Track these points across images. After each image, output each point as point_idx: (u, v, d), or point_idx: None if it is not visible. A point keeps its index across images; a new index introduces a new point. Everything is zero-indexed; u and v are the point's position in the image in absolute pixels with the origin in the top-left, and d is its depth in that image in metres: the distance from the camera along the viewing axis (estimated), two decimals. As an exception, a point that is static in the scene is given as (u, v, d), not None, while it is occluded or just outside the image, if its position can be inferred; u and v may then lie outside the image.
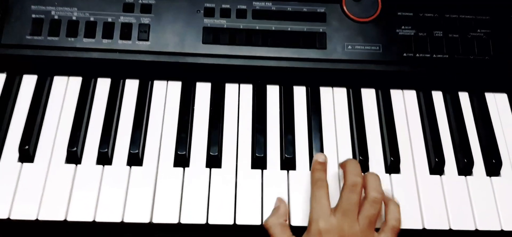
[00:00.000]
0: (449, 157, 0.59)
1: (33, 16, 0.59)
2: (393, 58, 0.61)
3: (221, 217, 0.52)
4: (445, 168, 0.58)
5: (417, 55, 0.62)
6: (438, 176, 0.57)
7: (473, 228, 0.54)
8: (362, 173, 0.53)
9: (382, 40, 0.62)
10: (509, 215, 0.55)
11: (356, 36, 0.62)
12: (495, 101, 0.64)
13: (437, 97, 0.63)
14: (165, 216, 0.51)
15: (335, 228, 0.48)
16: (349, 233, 0.48)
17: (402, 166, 0.58)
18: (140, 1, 0.61)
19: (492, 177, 0.58)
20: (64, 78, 0.60)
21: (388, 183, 0.56)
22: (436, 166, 0.57)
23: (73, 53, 0.58)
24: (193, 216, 0.52)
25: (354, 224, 0.49)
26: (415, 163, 0.58)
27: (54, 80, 0.60)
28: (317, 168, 0.53)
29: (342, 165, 0.54)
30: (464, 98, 0.64)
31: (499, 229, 0.54)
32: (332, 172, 0.56)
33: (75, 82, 0.60)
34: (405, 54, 0.62)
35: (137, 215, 0.51)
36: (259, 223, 0.52)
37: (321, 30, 0.61)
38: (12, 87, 0.58)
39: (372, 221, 0.50)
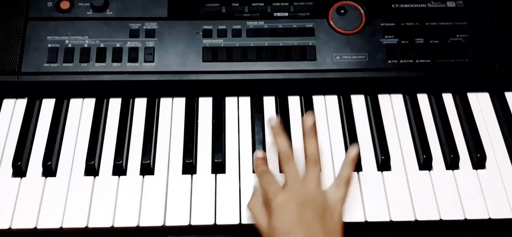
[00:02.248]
0: (436, 154, 0.62)
1: (49, 45, 0.65)
2: (379, 65, 0.66)
3: (227, 217, 0.56)
4: (433, 164, 0.61)
5: (401, 61, 0.67)
6: (427, 171, 0.61)
7: (462, 218, 0.57)
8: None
9: (367, 49, 0.67)
10: (495, 204, 0.58)
11: (343, 47, 0.67)
12: (477, 100, 0.67)
13: (423, 99, 0.67)
14: (177, 219, 0.56)
15: (291, 197, 0.51)
16: (305, 196, 0.52)
17: (392, 164, 0.61)
18: (144, 27, 0.67)
19: (478, 170, 0.61)
20: (79, 100, 0.65)
21: (381, 180, 0.60)
22: (425, 162, 0.61)
23: (87, 77, 0.63)
24: (202, 217, 0.56)
25: (304, 187, 0.53)
26: (405, 161, 0.62)
27: (71, 102, 0.65)
28: (259, 163, 0.56)
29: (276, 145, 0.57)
30: (448, 98, 0.67)
31: (487, 217, 0.57)
32: (328, 175, 0.60)
33: (90, 103, 0.65)
34: (390, 61, 0.67)
35: (151, 219, 0.56)
36: (262, 222, 0.57)
37: (310, 43, 0.67)
38: (33, 110, 0.64)
39: (318, 180, 0.54)
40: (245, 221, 0.57)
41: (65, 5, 0.67)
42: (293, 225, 0.49)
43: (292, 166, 0.54)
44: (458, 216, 0.58)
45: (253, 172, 0.60)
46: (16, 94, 0.65)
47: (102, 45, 0.65)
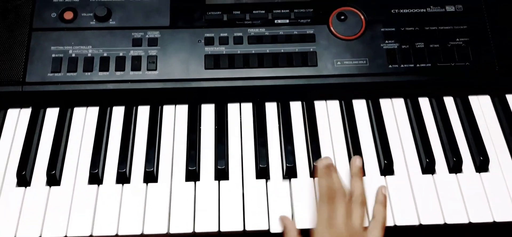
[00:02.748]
0: (439, 157, 0.62)
1: (53, 55, 0.66)
2: (379, 70, 0.66)
3: (231, 224, 0.57)
4: (436, 168, 0.62)
5: (402, 65, 0.67)
6: (430, 175, 0.61)
7: (466, 221, 0.57)
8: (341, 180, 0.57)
9: (368, 54, 0.67)
10: (500, 207, 0.58)
11: (344, 53, 0.67)
12: (478, 103, 0.68)
13: (424, 103, 0.68)
14: (181, 226, 0.56)
15: (339, 234, 0.52)
16: (349, 234, 0.52)
17: (395, 168, 0.62)
18: (147, 36, 0.67)
19: (482, 173, 0.61)
20: (83, 109, 0.66)
21: (384, 184, 0.60)
22: (428, 166, 0.61)
23: (90, 86, 0.64)
24: (206, 224, 0.56)
25: (350, 227, 0.53)
26: (408, 165, 0.62)
27: (74, 111, 0.65)
28: (326, 173, 0.56)
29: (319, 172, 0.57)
30: (449, 102, 0.68)
31: (491, 220, 0.57)
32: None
33: (93, 112, 0.65)
34: (390, 66, 0.67)
35: (155, 227, 0.56)
36: (266, 228, 0.57)
37: (311, 49, 0.67)
38: (37, 120, 0.64)
39: (362, 220, 0.54)
40: (249, 227, 0.57)
41: (68, 15, 0.68)
42: None
43: (342, 205, 0.54)
44: (462, 219, 0.58)
45: (256, 178, 0.61)
46: (20, 104, 0.66)
47: (105, 54, 0.66)
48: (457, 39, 0.69)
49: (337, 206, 0.54)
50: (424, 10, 0.71)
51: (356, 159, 0.59)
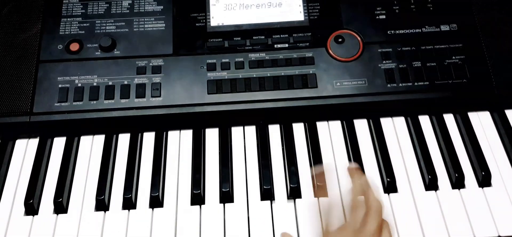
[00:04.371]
0: (441, 174, 0.63)
1: (60, 86, 0.67)
2: (378, 90, 0.68)
3: (236, 247, 0.57)
4: (439, 184, 0.62)
5: (400, 84, 0.68)
6: (433, 191, 0.61)
7: (472, 236, 0.58)
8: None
9: (366, 74, 0.69)
10: (504, 221, 0.58)
11: (343, 74, 0.69)
12: (478, 119, 0.69)
13: (424, 120, 0.68)
14: (186, 250, 0.57)
15: None
16: None
17: (398, 185, 0.62)
18: (151, 64, 0.69)
19: (484, 188, 0.62)
20: (89, 137, 0.67)
21: (388, 202, 0.61)
22: (430, 183, 0.62)
23: (96, 114, 0.65)
24: (212, 248, 0.57)
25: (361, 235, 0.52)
26: (411, 182, 0.62)
27: (81, 140, 0.67)
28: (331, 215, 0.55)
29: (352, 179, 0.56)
30: (449, 119, 0.69)
31: (496, 235, 0.58)
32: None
33: (99, 140, 0.67)
34: (389, 85, 0.68)
35: (161, 252, 0.57)
36: (271, 249, 0.57)
37: (311, 71, 0.69)
38: (45, 149, 0.65)
39: (377, 233, 0.53)
40: (254, 249, 0.57)
41: (74, 47, 0.70)
42: None
43: (356, 216, 0.53)
44: (467, 234, 0.58)
45: (261, 200, 0.61)
46: (28, 134, 0.67)
47: (110, 83, 0.67)
48: (453, 57, 0.70)
49: (352, 217, 0.53)
50: (420, 30, 0.73)
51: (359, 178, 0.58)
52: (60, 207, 0.60)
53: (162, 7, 0.73)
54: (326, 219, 0.55)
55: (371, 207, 0.54)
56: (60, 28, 0.71)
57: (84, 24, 0.72)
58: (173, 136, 0.67)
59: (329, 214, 0.55)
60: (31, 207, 0.60)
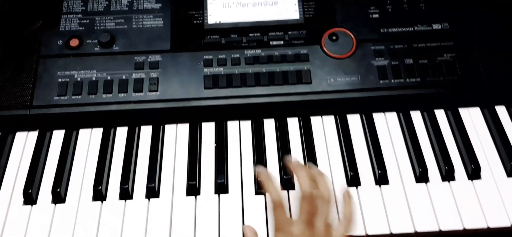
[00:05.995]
0: (432, 167, 0.64)
1: (59, 80, 0.69)
2: (371, 86, 0.69)
3: (231, 236, 0.58)
4: (430, 176, 0.63)
5: (393, 81, 0.70)
6: (424, 183, 0.63)
7: (461, 228, 0.59)
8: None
9: (360, 71, 0.70)
10: (493, 213, 0.60)
11: (337, 70, 0.71)
12: (469, 114, 0.70)
13: (416, 116, 0.70)
14: (182, 239, 0.58)
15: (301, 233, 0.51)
16: (312, 232, 0.52)
17: (390, 178, 0.63)
18: (149, 59, 0.71)
19: (474, 180, 0.63)
20: (88, 130, 0.68)
21: (379, 193, 0.62)
22: (421, 175, 0.63)
23: (94, 108, 0.67)
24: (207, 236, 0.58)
25: (312, 228, 0.52)
26: (402, 175, 0.64)
27: (80, 133, 0.68)
28: (268, 184, 0.55)
29: (295, 173, 0.56)
30: (440, 114, 0.70)
31: (485, 226, 0.59)
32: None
33: (97, 133, 0.68)
34: (382, 81, 0.70)
35: (157, 241, 0.58)
36: (265, 239, 0.58)
37: (305, 68, 0.70)
38: (44, 141, 0.67)
39: (327, 220, 0.53)
40: (248, 238, 0.58)
41: (74, 42, 0.72)
42: None
43: (306, 207, 0.54)
44: (456, 226, 0.59)
45: (256, 193, 0.62)
46: (28, 127, 0.68)
47: (109, 78, 0.69)
48: (445, 55, 0.72)
49: (302, 208, 0.53)
50: (412, 29, 0.74)
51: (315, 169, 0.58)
52: (58, 197, 0.61)
53: (160, 4, 0.75)
54: (277, 214, 0.54)
55: (320, 196, 0.54)
56: (61, 24, 0.73)
57: (84, 21, 0.74)
58: (170, 129, 0.69)
59: (280, 210, 0.54)
60: (30, 197, 0.61)
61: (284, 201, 0.55)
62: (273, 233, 0.54)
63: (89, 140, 0.67)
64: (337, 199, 0.60)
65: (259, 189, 0.63)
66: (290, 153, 0.66)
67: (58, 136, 0.68)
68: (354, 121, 0.70)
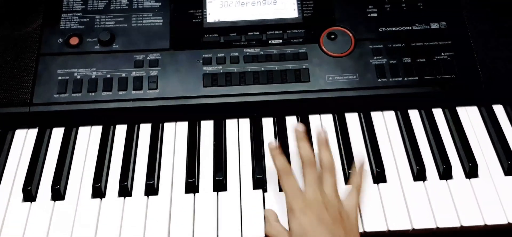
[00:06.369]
0: (429, 165, 0.65)
1: (59, 78, 0.69)
2: (369, 84, 0.70)
3: (229, 233, 0.58)
4: (427, 175, 0.64)
5: (391, 79, 0.70)
6: (421, 182, 0.63)
7: (458, 225, 0.59)
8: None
9: (358, 70, 0.71)
10: (490, 210, 0.60)
11: (335, 69, 0.71)
12: (466, 113, 0.70)
13: (414, 114, 0.70)
14: (181, 236, 0.58)
15: (313, 201, 0.53)
16: (324, 201, 0.54)
17: (388, 176, 0.64)
18: (148, 58, 0.71)
19: (471, 179, 0.63)
20: (87, 127, 0.69)
21: (377, 191, 0.62)
22: (418, 173, 0.63)
23: (94, 105, 0.67)
24: (205, 235, 0.58)
25: (324, 193, 0.54)
26: (400, 173, 0.64)
27: (79, 130, 0.68)
28: (275, 154, 0.57)
29: (297, 142, 0.59)
30: (438, 113, 0.70)
31: (482, 224, 0.59)
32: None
33: (97, 130, 0.68)
34: (379, 80, 0.70)
35: (156, 237, 0.58)
36: (263, 236, 0.59)
37: (304, 66, 0.71)
38: (43, 139, 0.67)
39: (335, 187, 0.55)
40: (246, 235, 0.58)
41: (74, 41, 0.72)
42: (314, 227, 0.52)
43: (315, 169, 0.56)
44: (453, 223, 0.59)
45: (253, 188, 0.63)
46: (28, 124, 0.69)
47: (108, 76, 0.69)
48: (443, 54, 0.72)
49: (307, 174, 0.55)
50: (410, 28, 0.75)
51: (321, 132, 0.60)
52: (58, 193, 0.62)
53: (160, 3, 0.76)
54: (288, 181, 0.56)
55: (323, 163, 0.56)
56: (61, 22, 0.74)
57: (84, 19, 0.74)
58: (169, 127, 0.69)
59: (290, 177, 0.56)
60: (29, 194, 0.61)
61: (292, 169, 0.56)
62: (287, 204, 0.55)
63: (88, 137, 0.68)
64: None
65: (257, 186, 0.63)
66: (288, 151, 0.66)
67: (57, 134, 0.68)
68: (352, 119, 0.70)
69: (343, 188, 0.61)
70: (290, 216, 0.54)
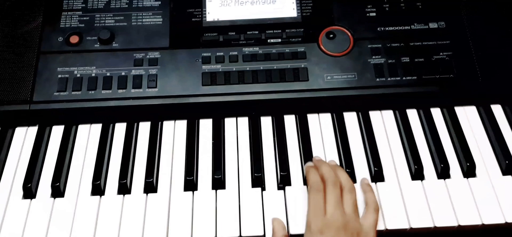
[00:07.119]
0: (427, 164, 0.65)
1: (59, 76, 0.69)
2: (368, 84, 0.70)
3: (228, 231, 0.59)
4: (425, 174, 0.64)
5: (389, 79, 0.71)
6: (419, 181, 0.63)
7: (455, 224, 0.59)
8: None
9: (356, 69, 0.71)
10: (487, 210, 0.60)
11: (334, 68, 0.71)
12: (465, 113, 0.70)
13: (412, 114, 0.70)
14: (179, 234, 0.58)
15: (332, 222, 0.55)
16: (344, 222, 0.55)
17: (385, 175, 0.64)
18: (148, 56, 0.71)
19: (469, 178, 0.63)
20: (87, 125, 0.69)
21: (375, 190, 0.62)
22: (416, 173, 0.64)
23: (94, 103, 0.67)
24: (204, 233, 0.58)
25: (344, 214, 0.56)
26: (398, 172, 0.64)
27: (79, 128, 0.69)
28: (309, 170, 0.60)
29: (318, 165, 0.61)
30: (436, 112, 0.71)
31: (480, 223, 0.59)
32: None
33: (96, 128, 0.69)
34: (378, 79, 0.71)
35: (155, 235, 0.58)
36: (261, 234, 0.59)
37: (302, 65, 0.71)
38: (43, 136, 0.67)
39: (355, 206, 0.57)
40: (245, 233, 0.59)
41: (74, 39, 0.73)
42: None
43: (338, 190, 0.58)
44: (451, 222, 0.60)
45: (252, 186, 0.63)
46: (28, 122, 0.69)
47: (108, 74, 0.70)
48: (441, 53, 0.72)
49: (329, 194, 0.57)
50: (409, 27, 0.75)
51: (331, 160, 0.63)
52: (57, 191, 0.62)
53: (159, 2, 0.76)
54: (317, 198, 0.57)
55: (344, 184, 0.58)
56: (61, 21, 0.74)
57: (84, 18, 0.74)
58: (168, 125, 0.70)
59: (320, 194, 0.58)
60: (29, 191, 0.62)
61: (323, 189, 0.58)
62: (307, 219, 0.56)
63: (88, 135, 0.68)
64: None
65: (256, 185, 0.63)
66: (287, 150, 0.67)
67: (57, 131, 0.69)
68: (351, 118, 0.71)
69: (364, 180, 0.62)
70: (307, 233, 0.56)
